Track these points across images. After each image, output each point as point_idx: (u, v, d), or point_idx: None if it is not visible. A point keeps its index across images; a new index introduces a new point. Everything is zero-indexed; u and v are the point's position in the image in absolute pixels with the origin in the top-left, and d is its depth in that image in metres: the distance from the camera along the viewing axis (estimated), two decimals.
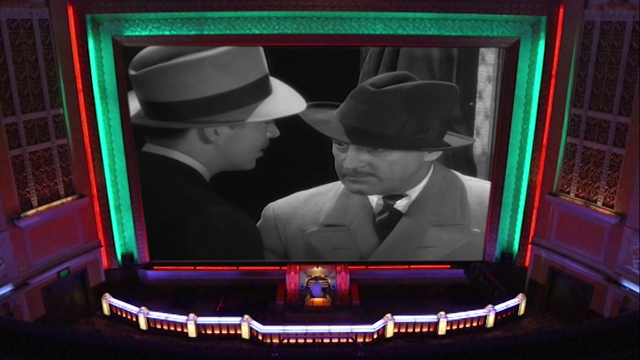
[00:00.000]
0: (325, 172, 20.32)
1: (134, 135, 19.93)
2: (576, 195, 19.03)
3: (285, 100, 19.33)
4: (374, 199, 20.73)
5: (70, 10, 18.13)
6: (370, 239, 21.27)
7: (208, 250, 21.39)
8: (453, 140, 19.91)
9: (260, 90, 19.17)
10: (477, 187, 20.89)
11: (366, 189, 20.37)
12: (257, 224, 20.97)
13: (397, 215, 20.91)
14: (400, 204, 20.75)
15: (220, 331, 18.92)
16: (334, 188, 20.65)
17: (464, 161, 20.61)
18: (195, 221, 20.77)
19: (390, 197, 20.71)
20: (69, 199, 19.34)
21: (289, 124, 19.54)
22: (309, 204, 20.83)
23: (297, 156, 20.33)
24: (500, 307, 19.58)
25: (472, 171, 20.78)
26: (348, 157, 19.73)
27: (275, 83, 19.33)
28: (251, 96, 19.10)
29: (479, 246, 21.61)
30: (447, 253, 21.55)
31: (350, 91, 19.28)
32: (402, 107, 18.97)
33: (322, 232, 21.15)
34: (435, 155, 20.11)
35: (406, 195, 20.64)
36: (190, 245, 21.13)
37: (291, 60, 19.52)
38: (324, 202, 20.81)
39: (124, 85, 19.24)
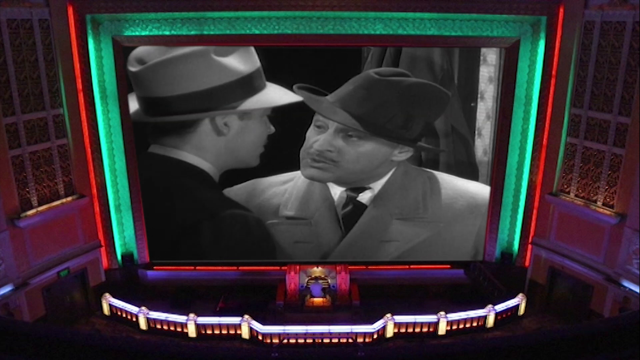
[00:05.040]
0: (286, 160, 20.23)
1: (135, 136, 19.92)
2: (576, 195, 19.03)
3: (280, 91, 19.39)
4: (337, 192, 20.60)
5: (70, 10, 18.13)
6: (332, 233, 21.11)
7: (220, 254, 21.38)
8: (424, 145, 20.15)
9: (258, 81, 19.22)
10: (457, 185, 20.75)
11: (320, 175, 20.10)
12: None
13: (361, 208, 20.80)
14: (364, 197, 20.68)
15: (220, 331, 18.92)
16: (294, 178, 20.49)
17: (465, 163, 20.61)
18: (209, 225, 20.81)
19: (354, 189, 20.64)
20: (69, 199, 19.34)
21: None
22: (267, 192, 20.61)
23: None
24: (500, 307, 19.58)
25: (474, 172, 20.78)
26: (322, 139, 19.59)
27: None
28: (250, 87, 19.15)
29: (451, 243, 21.42)
30: (410, 247, 21.34)
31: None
32: (396, 100, 19.13)
33: (283, 224, 20.95)
34: (404, 156, 20.06)
35: (369, 188, 20.60)
36: (203, 248, 21.15)
37: (291, 61, 19.55)
38: (283, 192, 20.61)
39: (124, 85, 19.24)
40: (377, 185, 20.55)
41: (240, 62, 19.03)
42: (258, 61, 19.14)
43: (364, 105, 19.20)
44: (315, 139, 19.71)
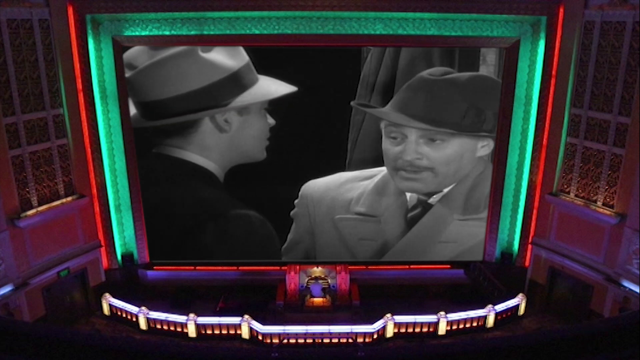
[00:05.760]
0: (306, 158, 20.50)
1: (137, 139, 19.95)
2: (576, 195, 19.03)
3: (274, 83, 19.46)
4: (408, 193, 20.71)
5: (70, 10, 18.13)
6: (398, 232, 21.22)
7: (224, 254, 21.45)
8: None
9: (249, 76, 19.28)
10: None
11: (419, 187, 20.34)
12: (295, 202, 20.85)
13: (429, 209, 20.93)
14: (434, 199, 20.79)
15: (220, 331, 18.92)
16: (372, 176, 20.56)
17: None
18: (213, 225, 20.86)
19: (427, 193, 20.74)
20: (69, 199, 19.34)
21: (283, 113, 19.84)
22: (342, 187, 20.72)
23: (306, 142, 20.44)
24: (500, 307, 19.58)
25: None
26: (407, 149, 19.74)
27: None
28: (242, 82, 19.23)
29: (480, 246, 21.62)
30: (465, 249, 21.42)
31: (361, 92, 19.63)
32: (460, 96, 19.31)
33: (352, 220, 21.02)
34: (487, 150, 20.18)
35: (442, 191, 20.68)
36: (206, 248, 21.20)
37: (291, 61, 19.56)
38: (358, 188, 20.70)
39: (124, 85, 19.25)
40: (447, 188, 20.61)
41: (228, 58, 19.09)
42: (246, 56, 19.19)
43: (432, 108, 19.40)
44: (398, 149, 19.86)
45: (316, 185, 20.75)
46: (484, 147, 20.15)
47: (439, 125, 19.51)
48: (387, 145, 19.95)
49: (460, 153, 20.02)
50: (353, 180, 20.66)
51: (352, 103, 19.61)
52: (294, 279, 20.30)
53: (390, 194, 20.62)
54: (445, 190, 20.56)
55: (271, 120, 19.78)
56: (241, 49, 19.17)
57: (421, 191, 20.53)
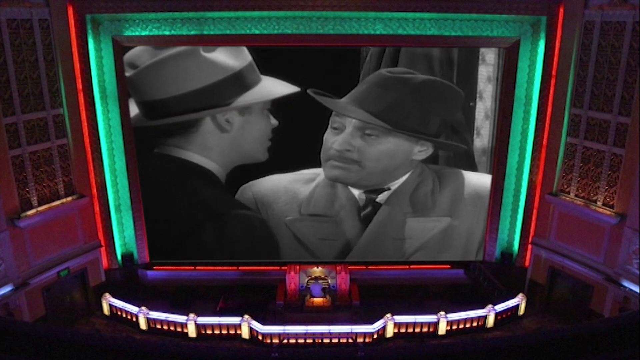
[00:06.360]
0: (304, 157, 20.39)
1: (138, 139, 19.95)
2: (576, 195, 19.03)
3: (277, 83, 19.45)
4: (356, 193, 20.73)
5: (70, 10, 18.13)
6: (356, 231, 21.24)
7: (223, 254, 21.46)
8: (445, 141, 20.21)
9: (252, 76, 19.25)
10: (463, 178, 20.95)
11: (344, 176, 20.18)
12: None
13: (379, 208, 20.99)
14: (382, 198, 20.81)
15: (220, 331, 18.92)
16: (315, 178, 20.57)
17: (464, 161, 20.63)
18: (213, 225, 20.86)
19: (372, 191, 20.74)
20: (69, 199, 19.34)
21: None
22: (289, 189, 20.68)
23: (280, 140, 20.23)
24: (500, 307, 19.58)
25: (473, 171, 20.83)
26: (340, 139, 19.67)
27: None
28: (244, 81, 19.21)
29: (464, 239, 21.55)
30: (422, 243, 21.44)
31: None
32: (410, 97, 19.28)
33: (305, 221, 21.04)
34: (424, 154, 20.12)
35: (388, 189, 20.68)
36: (206, 248, 21.21)
37: (291, 61, 19.56)
38: (305, 190, 20.68)
39: (124, 85, 19.25)
40: (394, 185, 20.65)
41: (231, 58, 19.09)
42: (249, 55, 19.18)
43: (379, 103, 19.33)
44: (334, 140, 19.79)
45: (260, 187, 20.57)
46: (422, 151, 20.06)
47: (379, 118, 19.39)
48: (328, 135, 19.88)
49: (392, 152, 19.94)
50: (298, 181, 20.63)
51: (308, 91, 19.37)
52: (294, 279, 20.31)
53: (340, 194, 20.66)
54: (393, 187, 20.56)
55: (274, 121, 19.75)
56: (244, 48, 19.16)
57: (346, 181, 20.37)
